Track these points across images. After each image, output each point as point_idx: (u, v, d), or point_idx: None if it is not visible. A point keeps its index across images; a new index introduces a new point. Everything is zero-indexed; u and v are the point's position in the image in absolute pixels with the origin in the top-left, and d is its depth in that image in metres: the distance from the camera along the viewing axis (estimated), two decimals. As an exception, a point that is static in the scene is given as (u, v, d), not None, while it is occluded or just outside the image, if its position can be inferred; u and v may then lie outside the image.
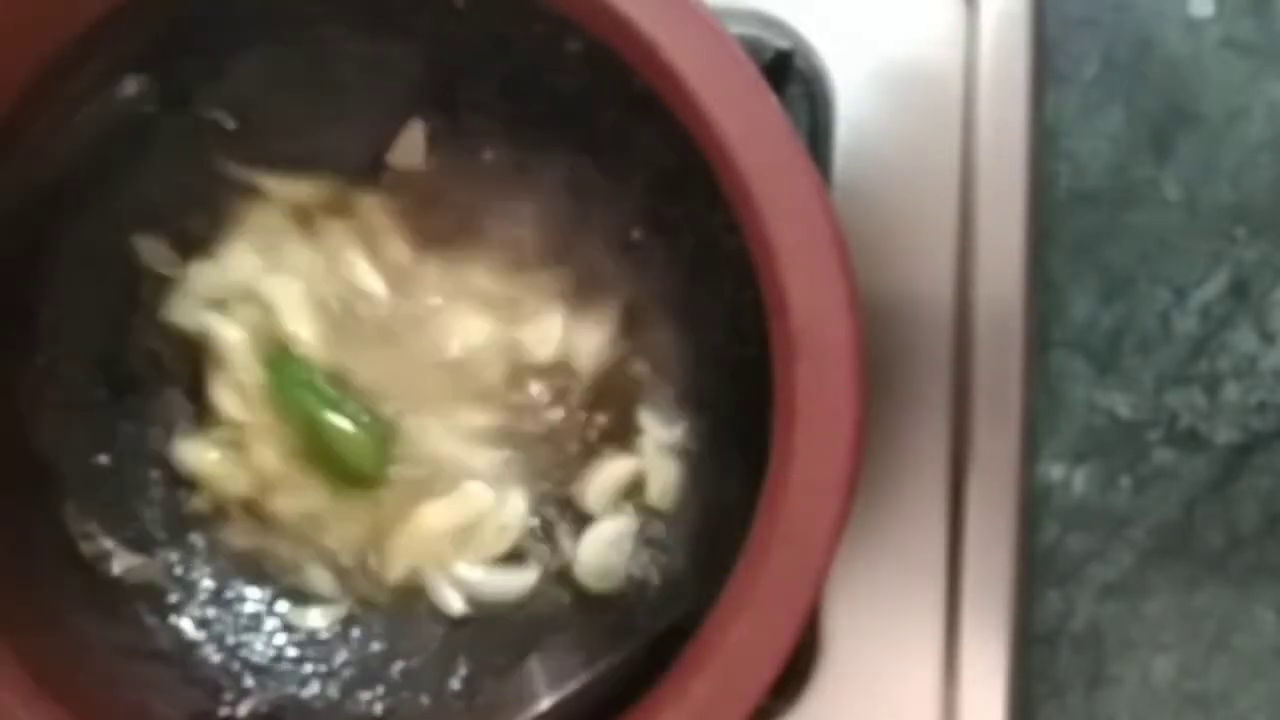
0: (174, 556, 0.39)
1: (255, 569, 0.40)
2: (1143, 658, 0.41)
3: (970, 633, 0.40)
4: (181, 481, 0.40)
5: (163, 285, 0.40)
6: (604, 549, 0.39)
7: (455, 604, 0.39)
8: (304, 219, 0.39)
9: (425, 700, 0.38)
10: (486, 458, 0.39)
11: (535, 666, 0.38)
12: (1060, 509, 0.41)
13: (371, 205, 0.39)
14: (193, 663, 0.38)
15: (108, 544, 0.38)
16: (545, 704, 0.36)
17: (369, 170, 0.39)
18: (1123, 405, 0.41)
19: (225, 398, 0.39)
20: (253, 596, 0.40)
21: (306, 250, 0.39)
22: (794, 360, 0.29)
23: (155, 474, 0.40)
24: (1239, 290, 0.41)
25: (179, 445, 0.40)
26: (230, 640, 0.39)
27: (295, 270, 0.39)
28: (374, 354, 0.39)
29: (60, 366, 0.38)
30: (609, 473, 0.38)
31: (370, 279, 0.39)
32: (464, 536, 0.39)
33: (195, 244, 0.39)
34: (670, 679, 0.31)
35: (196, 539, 0.40)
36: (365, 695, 0.38)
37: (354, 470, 0.39)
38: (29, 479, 0.37)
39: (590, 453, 0.39)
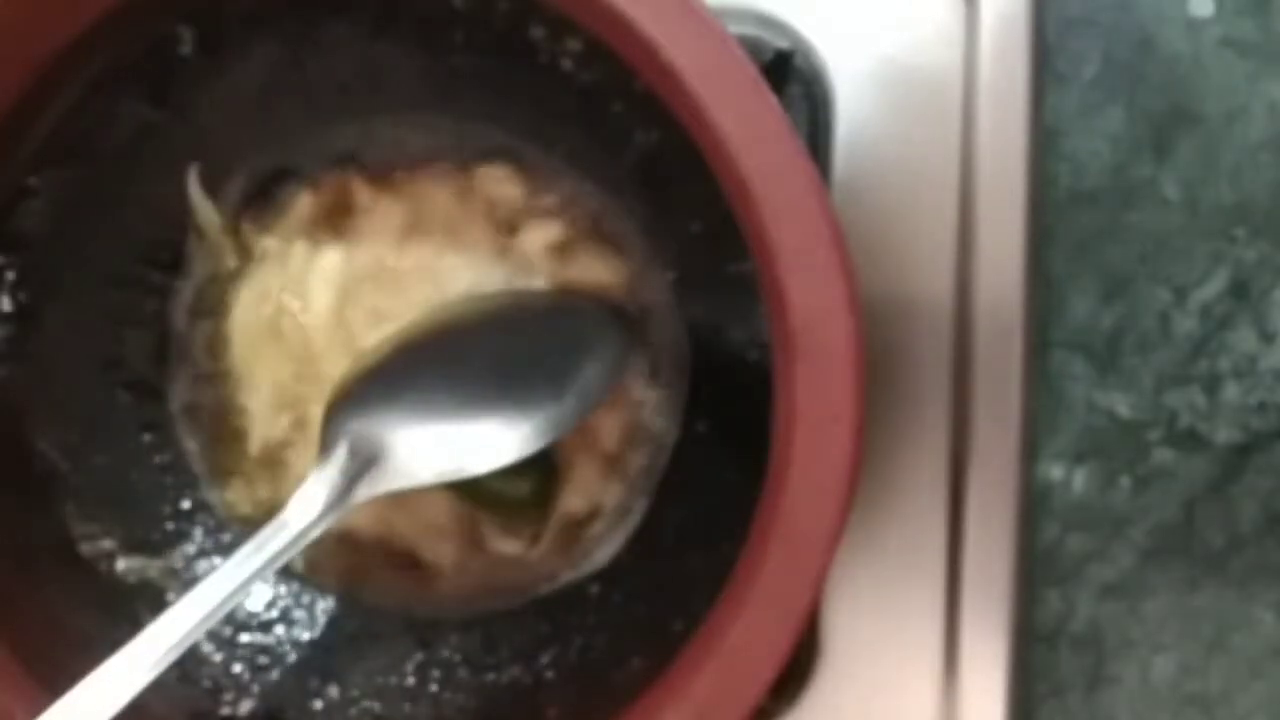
0: (174, 556, 0.39)
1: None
2: (1143, 658, 0.41)
3: (970, 633, 0.40)
4: (182, 480, 0.40)
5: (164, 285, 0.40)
6: None
7: None
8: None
9: (425, 701, 0.38)
10: None
11: (543, 670, 0.38)
12: (1060, 509, 0.41)
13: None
14: (193, 663, 0.37)
15: (108, 544, 0.38)
16: (551, 713, 0.36)
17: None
18: (1123, 405, 0.41)
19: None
20: (253, 595, 0.40)
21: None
22: (794, 360, 0.29)
23: (155, 474, 0.40)
24: (1239, 290, 0.41)
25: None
26: (230, 640, 0.39)
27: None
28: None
29: (60, 366, 0.38)
30: None
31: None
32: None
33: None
34: (670, 679, 0.31)
35: (197, 538, 0.40)
36: (365, 694, 0.38)
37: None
38: (29, 479, 0.37)
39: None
